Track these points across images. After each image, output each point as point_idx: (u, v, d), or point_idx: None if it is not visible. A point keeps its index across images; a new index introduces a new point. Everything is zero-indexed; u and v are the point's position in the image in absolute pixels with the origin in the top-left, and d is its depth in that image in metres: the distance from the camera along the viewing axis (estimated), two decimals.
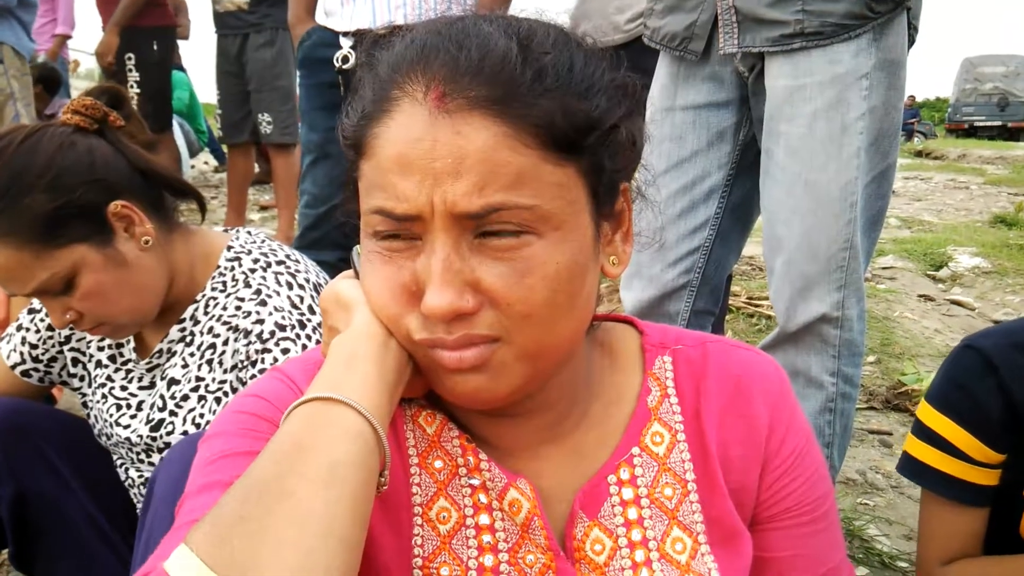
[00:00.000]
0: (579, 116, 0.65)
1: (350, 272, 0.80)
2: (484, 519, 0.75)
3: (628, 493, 0.77)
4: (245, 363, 1.25)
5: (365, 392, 0.66)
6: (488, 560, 0.74)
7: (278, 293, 1.28)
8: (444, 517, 0.75)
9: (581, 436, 0.79)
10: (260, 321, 1.25)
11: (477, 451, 0.76)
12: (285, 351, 1.22)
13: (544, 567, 0.74)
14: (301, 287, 1.30)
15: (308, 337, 1.24)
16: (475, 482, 0.76)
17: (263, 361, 1.23)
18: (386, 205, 0.65)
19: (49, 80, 6.32)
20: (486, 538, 0.74)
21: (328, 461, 0.61)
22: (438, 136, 0.62)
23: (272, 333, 1.24)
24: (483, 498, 0.75)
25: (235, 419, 0.74)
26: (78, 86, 8.22)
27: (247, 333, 1.26)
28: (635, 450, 0.78)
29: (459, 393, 0.69)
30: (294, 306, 1.27)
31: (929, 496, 1.25)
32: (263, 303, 1.27)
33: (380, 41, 0.72)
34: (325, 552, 0.57)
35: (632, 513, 0.76)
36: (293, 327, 1.24)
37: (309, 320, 1.26)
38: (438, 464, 0.76)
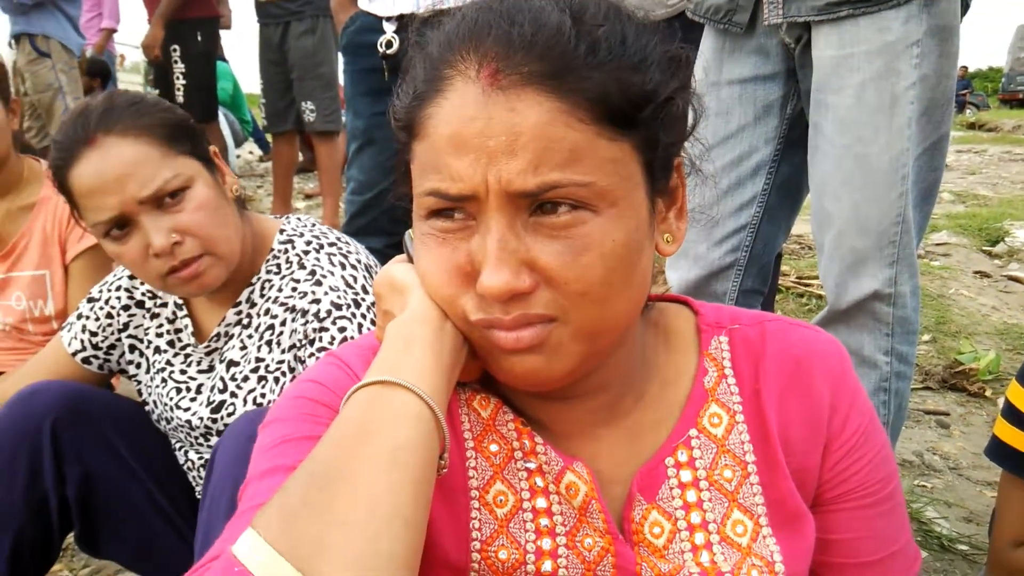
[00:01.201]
0: (633, 89, 0.64)
1: (403, 257, 0.80)
2: (541, 502, 0.75)
3: (686, 475, 0.76)
4: (303, 342, 1.28)
5: (423, 375, 0.66)
6: (546, 543, 0.74)
7: (332, 273, 1.31)
8: (501, 501, 0.75)
9: (637, 418, 0.78)
10: (316, 301, 1.28)
11: (532, 434, 0.76)
12: (342, 329, 1.24)
13: (603, 550, 0.74)
14: (354, 267, 1.33)
15: (363, 316, 1.26)
16: (531, 465, 0.76)
17: (320, 340, 1.25)
18: (440, 186, 0.64)
19: (102, 74, 6.46)
20: (543, 521, 0.74)
21: (390, 445, 0.61)
22: (492, 114, 0.62)
23: (328, 312, 1.26)
24: (539, 481, 0.75)
25: (294, 404, 0.75)
26: (124, 79, 8.38)
27: (304, 313, 1.29)
28: (692, 432, 0.77)
29: (516, 374, 0.68)
30: (348, 286, 1.30)
31: (1010, 479, 1.23)
32: (318, 283, 1.30)
33: (430, 21, 0.71)
34: (390, 535, 0.58)
35: (691, 495, 0.76)
36: (348, 306, 1.27)
37: (363, 300, 1.29)
38: (494, 448, 0.77)
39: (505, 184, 0.62)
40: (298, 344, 1.30)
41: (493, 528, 0.75)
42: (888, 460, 0.81)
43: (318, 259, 1.33)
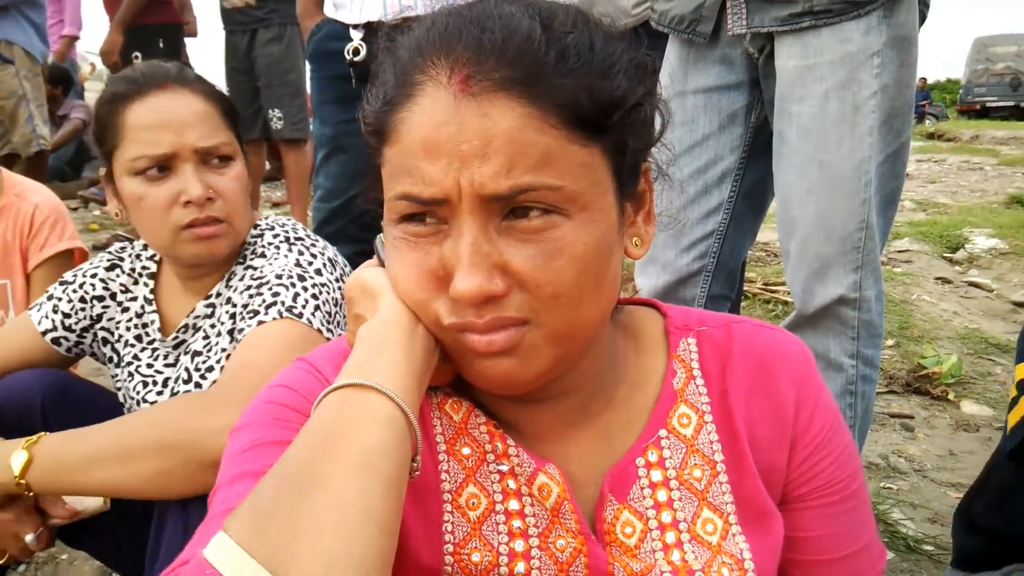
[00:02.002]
0: (603, 95, 0.65)
1: (374, 261, 0.80)
2: (514, 504, 0.75)
3: (657, 475, 0.77)
4: (243, 313, 1.27)
5: (394, 378, 0.66)
6: (519, 545, 0.74)
7: (287, 256, 1.32)
8: (474, 503, 0.75)
9: (607, 419, 0.79)
10: (261, 276, 1.30)
11: (505, 437, 0.76)
12: (275, 295, 1.24)
13: (575, 551, 0.74)
14: (313, 256, 1.34)
15: (304, 289, 1.26)
16: (504, 468, 0.76)
17: (252, 303, 1.25)
18: (412, 190, 0.65)
19: (64, 81, 6.36)
20: (516, 523, 0.75)
21: (361, 447, 0.61)
22: (464, 119, 0.62)
23: (267, 281, 1.27)
24: (512, 484, 0.75)
25: (264, 409, 0.74)
26: (91, 87, 8.26)
27: (248, 288, 1.30)
28: (662, 432, 0.78)
29: (489, 377, 0.69)
30: (297, 264, 1.30)
31: None
32: (270, 264, 1.32)
33: (400, 27, 0.72)
34: (362, 538, 0.58)
35: (661, 495, 0.76)
36: (290, 276, 1.27)
37: (311, 276, 1.29)
38: (466, 451, 0.77)
39: (478, 187, 0.62)
40: (239, 315, 1.30)
41: (466, 531, 0.75)
42: (852, 458, 0.83)
43: (278, 247, 1.35)
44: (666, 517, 0.76)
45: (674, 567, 0.74)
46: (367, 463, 0.60)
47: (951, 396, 2.99)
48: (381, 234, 0.75)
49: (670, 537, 0.75)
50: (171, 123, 1.26)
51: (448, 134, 0.62)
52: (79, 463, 1.09)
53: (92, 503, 1.26)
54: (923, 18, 1.62)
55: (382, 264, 0.76)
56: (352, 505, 0.58)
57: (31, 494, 1.13)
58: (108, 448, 1.08)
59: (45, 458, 1.10)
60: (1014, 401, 1.32)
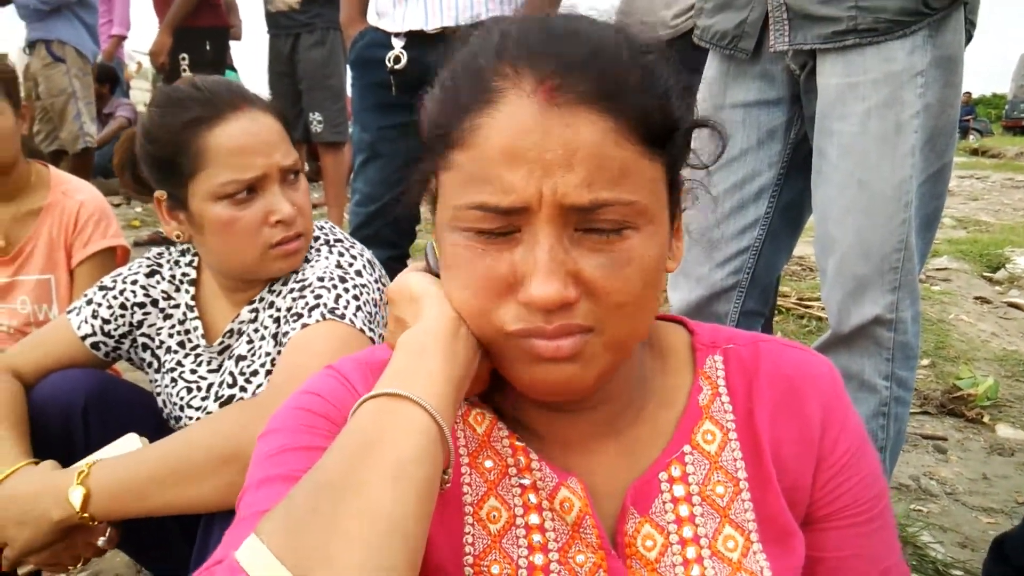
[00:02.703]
0: (669, 113, 0.68)
1: (421, 264, 0.80)
2: (534, 519, 0.76)
3: (679, 490, 0.77)
4: (287, 316, 1.29)
5: (432, 388, 0.66)
6: (539, 559, 0.75)
7: (327, 259, 1.34)
8: (495, 516, 0.76)
9: (634, 433, 0.79)
10: (303, 279, 1.32)
11: (527, 451, 0.77)
12: (317, 296, 1.26)
13: (595, 566, 0.75)
14: (353, 258, 1.36)
15: (346, 291, 1.28)
16: (525, 482, 0.76)
17: (295, 306, 1.27)
18: (490, 200, 0.65)
19: (111, 80, 6.50)
20: (536, 537, 0.75)
21: (395, 457, 0.62)
22: (549, 128, 0.63)
23: (309, 284, 1.29)
24: (533, 498, 0.76)
25: (292, 415, 0.76)
26: (135, 86, 8.43)
27: (291, 291, 1.32)
28: (686, 448, 0.79)
29: (549, 383, 0.69)
30: (338, 265, 1.32)
31: None
32: (312, 267, 1.34)
33: (469, 32, 0.73)
34: (391, 548, 0.58)
35: (683, 510, 0.77)
36: (331, 279, 1.29)
37: (352, 278, 1.30)
38: (488, 464, 0.78)
39: (561, 196, 0.64)
40: (283, 319, 1.32)
41: (486, 543, 0.75)
42: (878, 479, 0.82)
43: (319, 251, 1.37)
44: (687, 532, 0.76)
45: None
46: (401, 473, 0.61)
47: (986, 419, 2.93)
48: (432, 240, 0.76)
49: (691, 552, 0.76)
50: (260, 145, 1.28)
51: (533, 142, 0.63)
52: (140, 488, 1.10)
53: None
54: (969, 37, 1.60)
55: (430, 270, 0.77)
56: (384, 514, 0.59)
57: (96, 523, 1.14)
58: (167, 469, 1.09)
59: (103, 489, 1.11)
60: None
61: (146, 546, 1.45)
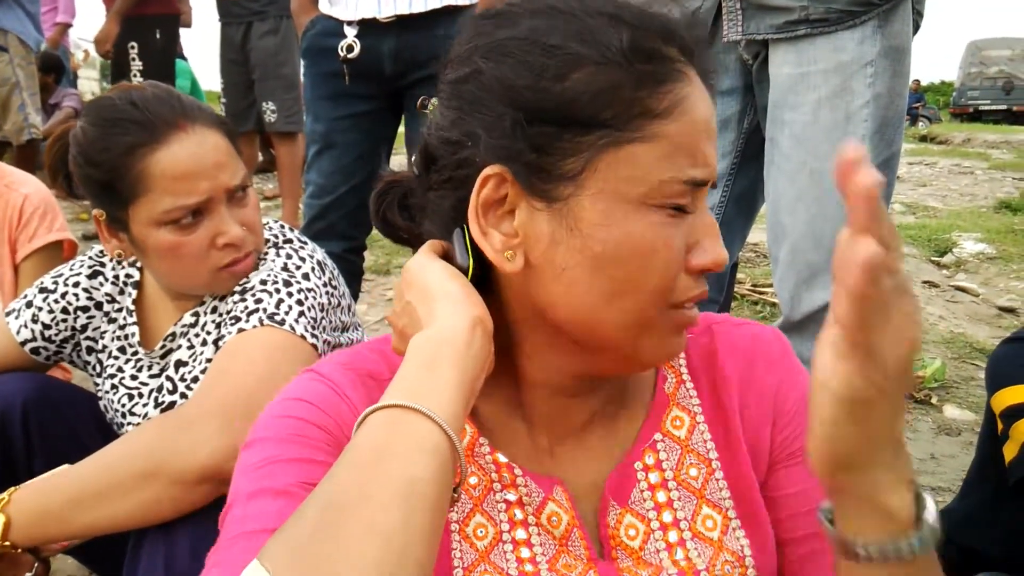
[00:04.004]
0: None
1: (429, 247, 0.75)
2: (520, 534, 0.76)
3: (655, 477, 0.79)
4: (226, 320, 1.24)
5: (444, 402, 0.63)
6: (528, 567, 0.75)
7: (274, 261, 1.29)
8: (481, 533, 0.75)
9: (611, 424, 0.81)
10: (247, 282, 1.27)
11: (512, 467, 0.77)
12: (258, 301, 1.21)
13: (584, 569, 0.75)
14: (302, 259, 1.31)
15: (289, 295, 1.23)
16: (511, 497, 0.76)
17: (236, 310, 1.23)
18: (700, 174, 0.67)
19: (56, 69, 6.33)
20: (524, 552, 0.75)
21: (407, 475, 0.59)
22: (710, 106, 0.69)
23: (252, 287, 1.25)
24: (519, 513, 0.76)
25: (281, 424, 0.72)
26: (82, 75, 8.21)
27: (234, 294, 1.27)
28: (657, 436, 0.80)
29: (674, 351, 0.73)
30: (285, 268, 1.27)
31: None
32: (257, 271, 1.29)
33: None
34: (402, 571, 0.56)
35: (661, 496, 0.78)
36: (275, 282, 1.24)
37: (298, 282, 1.25)
38: (473, 480, 0.77)
39: (713, 167, 0.69)
40: (223, 323, 1.27)
41: (474, 557, 0.75)
42: None
43: (266, 253, 1.32)
44: (667, 517, 0.78)
45: (679, 568, 0.76)
46: (412, 492, 0.58)
47: (934, 400, 3.01)
48: (459, 227, 0.72)
49: (672, 536, 0.77)
50: (206, 168, 1.21)
51: (710, 117, 0.68)
52: (60, 512, 1.05)
53: None
54: (916, 27, 1.63)
55: (452, 261, 0.73)
56: (394, 537, 0.56)
57: (19, 550, 1.09)
58: (86, 489, 1.05)
59: (23, 515, 1.06)
60: (1004, 435, 1.31)
61: (98, 556, 1.42)
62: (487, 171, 0.67)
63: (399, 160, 2.49)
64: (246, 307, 1.22)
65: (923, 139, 15.44)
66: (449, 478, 0.62)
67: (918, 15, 1.62)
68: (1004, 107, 22.13)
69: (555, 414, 0.79)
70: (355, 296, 2.54)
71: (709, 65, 0.69)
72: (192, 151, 1.20)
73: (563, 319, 0.70)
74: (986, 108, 22.28)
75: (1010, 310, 4.12)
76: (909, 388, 0.59)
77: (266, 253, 1.32)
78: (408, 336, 0.70)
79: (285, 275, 1.26)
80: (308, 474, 0.68)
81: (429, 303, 0.70)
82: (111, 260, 1.43)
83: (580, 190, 0.66)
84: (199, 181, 1.20)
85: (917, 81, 27.50)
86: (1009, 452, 1.29)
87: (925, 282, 4.50)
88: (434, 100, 0.75)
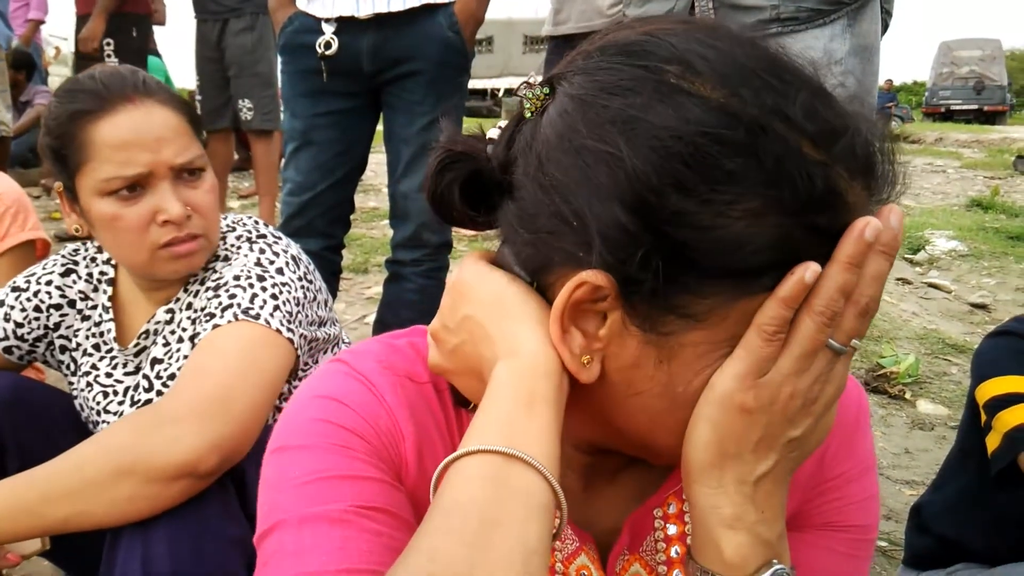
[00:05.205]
0: None
1: (485, 254, 0.67)
2: None
3: (673, 529, 0.72)
4: (200, 315, 1.24)
5: (547, 450, 0.56)
6: None
7: (247, 256, 1.28)
8: None
9: (645, 467, 0.73)
10: (220, 277, 1.27)
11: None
12: (232, 296, 1.21)
13: None
14: (275, 254, 1.30)
15: (263, 289, 1.23)
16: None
17: (210, 306, 1.22)
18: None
19: (27, 66, 6.25)
20: None
21: (523, 548, 0.52)
22: None
23: (225, 283, 1.24)
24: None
25: (319, 429, 0.65)
26: (54, 72, 8.12)
27: (208, 290, 1.26)
28: None
29: None
30: (258, 263, 1.27)
31: None
32: (230, 266, 1.28)
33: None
34: None
35: (675, 551, 0.72)
36: (248, 277, 1.24)
37: (271, 276, 1.25)
38: None
39: None
40: (198, 319, 1.26)
41: None
42: (868, 512, 0.78)
43: (239, 248, 1.32)
44: None
45: None
46: (526, 568, 0.51)
47: (908, 395, 3.06)
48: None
49: None
50: (147, 140, 1.21)
51: None
52: (32, 507, 1.04)
53: (30, 546, 1.21)
54: (886, 27, 1.65)
55: (513, 272, 0.63)
56: None
57: None
58: (62, 486, 1.04)
59: None
60: (987, 426, 1.34)
61: (74, 559, 1.40)
62: (591, 278, 0.55)
63: (378, 159, 2.49)
64: (220, 303, 1.21)
65: (896, 138, 15.55)
66: (550, 534, 0.55)
67: (887, 14, 1.64)
68: (975, 107, 22.44)
69: (589, 462, 0.72)
70: (334, 295, 2.53)
71: (884, 186, 0.57)
72: (136, 123, 1.21)
73: (617, 427, 0.63)
74: (958, 108, 22.58)
75: (982, 306, 4.19)
76: (800, 460, 0.58)
77: (239, 248, 1.32)
78: (463, 355, 0.63)
79: (259, 270, 1.26)
80: (361, 495, 0.61)
81: (506, 322, 0.60)
82: (84, 256, 1.42)
83: (690, 331, 0.55)
84: (140, 153, 1.21)
85: (890, 81, 27.81)
86: (992, 443, 1.32)
87: (899, 279, 4.56)
88: (537, 91, 0.62)
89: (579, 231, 0.55)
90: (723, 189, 0.51)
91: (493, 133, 0.68)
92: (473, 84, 14.16)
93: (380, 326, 2.42)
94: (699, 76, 0.54)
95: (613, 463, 0.72)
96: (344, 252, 2.53)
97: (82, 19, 4.92)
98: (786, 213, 0.52)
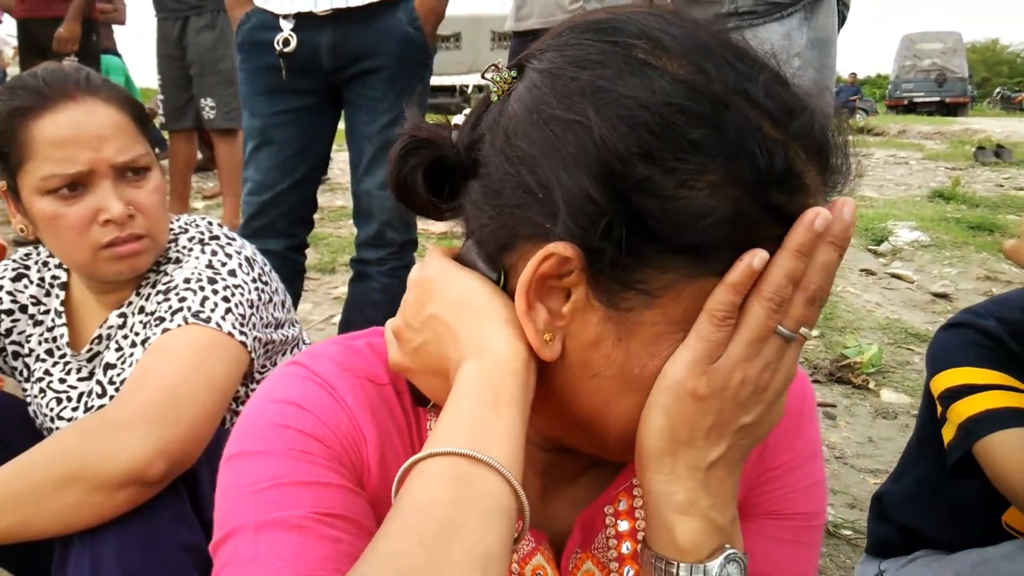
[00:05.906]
0: None
1: (447, 250, 0.66)
2: None
3: (624, 525, 0.72)
4: (151, 321, 1.21)
5: (510, 452, 0.55)
6: None
7: (198, 259, 1.27)
8: None
9: (600, 466, 0.74)
10: (170, 280, 1.25)
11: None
12: (182, 299, 1.19)
13: None
14: (228, 256, 1.28)
15: (214, 292, 1.21)
16: None
17: (160, 310, 1.20)
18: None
19: None
20: None
21: (483, 552, 0.51)
22: None
23: (175, 286, 1.22)
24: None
25: (277, 434, 0.63)
26: (10, 73, 7.96)
27: (158, 293, 1.24)
28: (635, 480, 0.73)
29: None
30: (209, 265, 1.25)
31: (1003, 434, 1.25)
32: (181, 269, 1.26)
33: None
34: None
35: (626, 547, 0.72)
36: (199, 280, 1.22)
37: (223, 279, 1.23)
38: None
39: None
40: (147, 323, 1.24)
41: None
42: (812, 499, 0.80)
43: (191, 250, 1.30)
44: (628, 573, 0.71)
45: None
46: (485, 572, 0.51)
47: (871, 385, 3.09)
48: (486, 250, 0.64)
49: None
50: (87, 138, 1.18)
51: None
52: None
53: None
54: (843, 20, 1.67)
55: (478, 271, 0.63)
56: None
57: None
58: (4, 493, 1.01)
59: None
60: (942, 417, 1.35)
61: (25, 564, 1.37)
62: (557, 249, 0.55)
63: (345, 156, 2.47)
64: (170, 307, 1.19)
65: (860, 131, 15.76)
66: (512, 540, 0.55)
67: (844, 7, 1.66)
68: (937, 99, 22.83)
69: (549, 461, 0.72)
70: (298, 295, 2.51)
71: (837, 176, 0.58)
72: (76, 120, 1.19)
73: (572, 412, 0.62)
74: (920, 100, 22.95)
75: (943, 296, 4.25)
76: (751, 446, 0.59)
77: (191, 251, 1.30)
78: (427, 354, 0.62)
79: (210, 272, 1.24)
80: (320, 501, 0.61)
81: (473, 321, 0.60)
82: (36, 261, 1.39)
83: (648, 308, 0.56)
84: (79, 151, 1.18)
85: (854, 74, 28.18)
86: (947, 434, 1.34)
87: (862, 270, 4.61)
88: (505, 74, 0.62)
89: (545, 202, 0.56)
90: (687, 158, 0.52)
91: (459, 119, 0.67)
92: (441, 80, 14.08)
93: (346, 326, 2.39)
94: (666, 52, 0.55)
95: (572, 466, 0.72)
96: (311, 252, 2.50)
97: (22, 23, 4.85)
98: (744, 187, 0.53)
